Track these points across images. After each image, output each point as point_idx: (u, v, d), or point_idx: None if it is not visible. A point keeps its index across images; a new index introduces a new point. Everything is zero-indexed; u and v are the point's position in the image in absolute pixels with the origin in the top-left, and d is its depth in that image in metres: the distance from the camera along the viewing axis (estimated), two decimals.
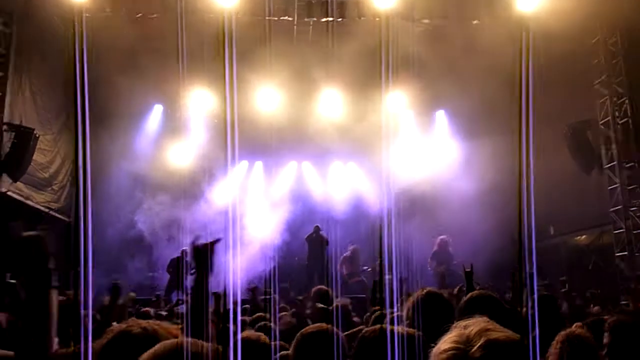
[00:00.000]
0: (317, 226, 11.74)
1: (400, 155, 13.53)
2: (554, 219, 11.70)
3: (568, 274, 10.41)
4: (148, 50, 11.49)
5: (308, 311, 5.78)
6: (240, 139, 13.93)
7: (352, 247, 11.93)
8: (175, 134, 13.55)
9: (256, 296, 7.03)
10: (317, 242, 11.59)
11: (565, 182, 11.15)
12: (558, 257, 11.70)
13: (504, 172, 11.02)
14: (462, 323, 1.31)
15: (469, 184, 11.91)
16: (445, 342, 1.27)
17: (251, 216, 12.84)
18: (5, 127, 9.94)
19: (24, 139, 9.99)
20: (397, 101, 13.36)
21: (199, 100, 13.19)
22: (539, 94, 11.30)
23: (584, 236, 11.90)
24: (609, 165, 11.04)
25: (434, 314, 2.61)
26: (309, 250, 11.70)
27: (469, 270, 4.76)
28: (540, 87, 11.33)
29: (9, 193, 10.19)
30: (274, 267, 12.04)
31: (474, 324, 1.28)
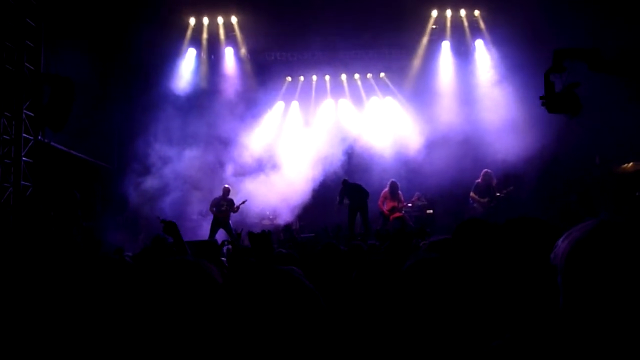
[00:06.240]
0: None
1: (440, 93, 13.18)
2: (600, 148, 11.33)
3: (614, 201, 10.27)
4: None
5: None
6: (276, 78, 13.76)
7: (390, 181, 11.82)
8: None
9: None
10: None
11: (614, 109, 10.69)
12: (604, 185, 11.41)
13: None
14: None
15: (513, 125, 11.57)
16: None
17: (289, 155, 12.82)
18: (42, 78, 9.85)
19: (62, 89, 9.84)
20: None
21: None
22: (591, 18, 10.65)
23: (630, 163, 11.54)
24: None
25: None
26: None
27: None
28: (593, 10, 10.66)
29: (52, 143, 10.28)
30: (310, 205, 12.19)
31: None
